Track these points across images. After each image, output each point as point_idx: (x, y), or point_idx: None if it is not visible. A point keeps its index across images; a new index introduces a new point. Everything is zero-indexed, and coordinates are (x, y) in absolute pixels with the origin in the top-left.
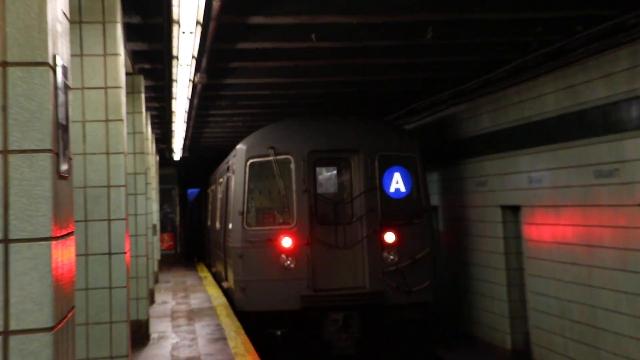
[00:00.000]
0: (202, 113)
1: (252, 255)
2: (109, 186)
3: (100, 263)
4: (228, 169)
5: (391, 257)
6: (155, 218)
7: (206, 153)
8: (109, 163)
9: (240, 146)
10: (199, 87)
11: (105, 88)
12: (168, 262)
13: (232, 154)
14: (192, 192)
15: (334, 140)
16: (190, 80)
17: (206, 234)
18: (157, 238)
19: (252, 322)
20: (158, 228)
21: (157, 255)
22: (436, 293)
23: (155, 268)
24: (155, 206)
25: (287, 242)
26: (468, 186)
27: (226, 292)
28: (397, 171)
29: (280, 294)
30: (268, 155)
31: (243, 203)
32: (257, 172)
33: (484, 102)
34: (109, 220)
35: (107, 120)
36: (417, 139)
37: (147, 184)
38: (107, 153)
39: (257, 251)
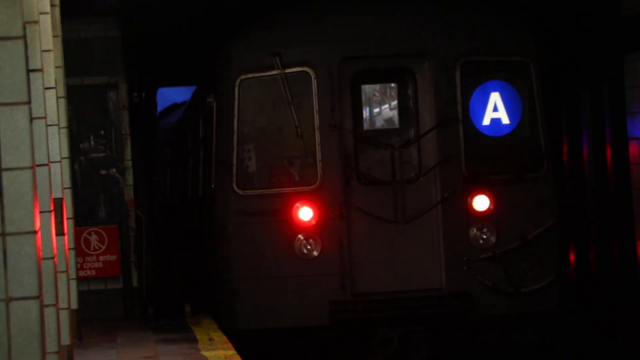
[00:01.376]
0: None
1: (249, 236)
2: None
3: None
4: (205, 94)
5: (485, 236)
6: (59, 180)
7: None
8: None
9: (224, 52)
10: None
11: None
12: (101, 314)
13: (205, 71)
14: (173, 100)
15: (382, 38)
16: None
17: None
18: (68, 240)
19: (250, 350)
20: (69, 208)
21: (72, 294)
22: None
23: (67, 338)
24: (59, 142)
25: (306, 213)
26: None
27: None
28: (496, 90)
29: (296, 301)
30: (272, 68)
31: (232, 151)
32: (255, 97)
33: None
34: None
35: None
36: (532, 30)
37: (30, 72)
38: None
39: (258, 230)
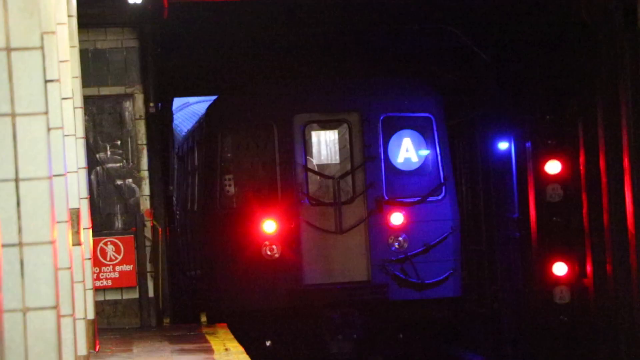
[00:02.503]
0: None
1: (228, 242)
2: None
3: None
4: (194, 139)
5: (398, 243)
6: (76, 190)
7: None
8: None
9: (208, 113)
10: None
11: None
12: (118, 324)
13: (199, 120)
14: (187, 109)
15: (326, 98)
16: None
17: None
18: (84, 250)
19: (228, 323)
20: (85, 219)
21: (88, 305)
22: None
23: (83, 348)
24: (75, 152)
25: (270, 226)
26: None
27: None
28: (407, 136)
29: (262, 290)
30: (246, 123)
31: (216, 183)
32: (232, 143)
33: None
34: None
35: None
36: (435, 93)
37: (47, 82)
38: None
39: (234, 238)
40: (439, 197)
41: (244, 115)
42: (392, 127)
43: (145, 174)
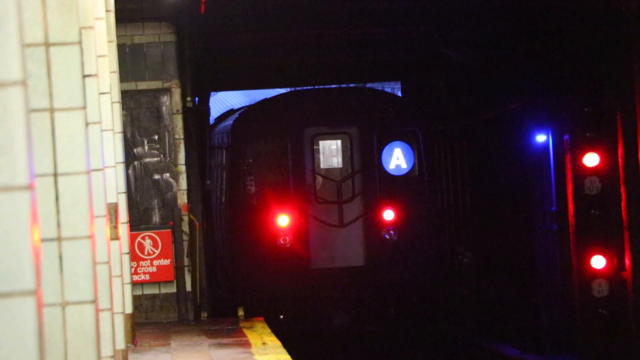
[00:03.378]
0: None
1: (250, 232)
2: None
3: None
4: (222, 145)
5: (390, 235)
6: (114, 185)
7: None
8: None
9: (234, 126)
10: None
11: None
12: (155, 318)
13: (224, 129)
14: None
15: (331, 115)
16: None
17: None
18: (122, 245)
19: (248, 301)
20: (123, 213)
21: (127, 299)
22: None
23: (121, 342)
24: (113, 147)
25: (284, 220)
26: None
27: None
28: (398, 147)
29: (278, 272)
30: (265, 135)
31: (239, 184)
32: (253, 153)
33: None
34: None
35: None
36: (421, 111)
37: (85, 77)
38: None
39: (255, 229)
40: (423, 198)
41: (263, 128)
42: (385, 139)
43: (182, 168)
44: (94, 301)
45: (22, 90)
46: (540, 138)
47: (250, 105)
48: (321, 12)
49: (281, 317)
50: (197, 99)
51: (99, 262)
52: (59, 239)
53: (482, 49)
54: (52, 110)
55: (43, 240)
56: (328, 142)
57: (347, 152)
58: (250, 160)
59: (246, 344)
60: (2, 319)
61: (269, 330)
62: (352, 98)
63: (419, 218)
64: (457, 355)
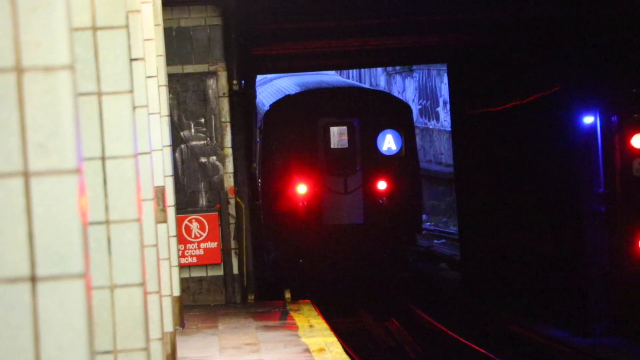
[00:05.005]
0: None
1: (278, 197)
2: (18, 70)
3: None
4: (258, 127)
5: (383, 200)
6: (161, 168)
7: None
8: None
9: (267, 114)
10: None
11: None
12: (203, 301)
13: (260, 115)
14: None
15: (340, 108)
16: None
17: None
18: (169, 227)
19: (279, 250)
20: (170, 196)
21: (174, 282)
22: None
23: (169, 324)
24: (160, 130)
25: (303, 189)
26: None
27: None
28: (390, 133)
29: (296, 227)
30: (289, 121)
31: (269, 158)
32: (281, 134)
33: None
34: (25, 175)
35: None
36: (407, 104)
37: (132, 61)
38: None
39: (281, 196)
40: (409, 173)
41: (287, 118)
42: (380, 127)
43: (228, 151)
44: (142, 284)
45: (71, 75)
46: (588, 119)
47: (278, 99)
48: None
49: (300, 261)
50: (242, 81)
51: (147, 245)
52: (107, 222)
53: (528, 31)
54: (99, 94)
55: (91, 223)
56: (337, 128)
57: (352, 137)
58: (277, 142)
59: (293, 326)
60: (52, 302)
61: (315, 313)
62: (355, 96)
63: (404, 187)
64: (504, 337)
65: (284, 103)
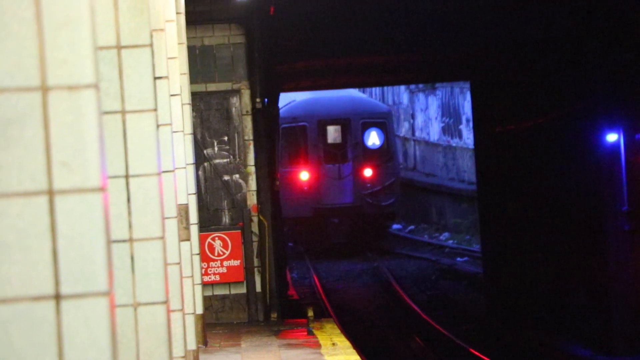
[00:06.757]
0: None
1: (284, 183)
2: (43, 89)
3: None
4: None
5: (368, 184)
6: (184, 186)
7: None
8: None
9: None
10: None
11: None
12: (226, 319)
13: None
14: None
15: (334, 110)
16: None
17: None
18: (192, 245)
19: (287, 224)
20: (193, 214)
21: (197, 300)
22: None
23: (192, 342)
24: (184, 148)
25: (304, 175)
26: None
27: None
28: (374, 130)
29: (300, 206)
30: (295, 122)
31: (278, 153)
32: (288, 132)
33: None
34: (50, 193)
35: None
36: (388, 107)
37: (156, 79)
38: None
39: (287, 182)
40: (389, 162)
41: (294, 118)
42: (366, 125)
43: (251, 169)
44: (166, 302)
45: (95, 93)
46: (612, 137)
47: (286, 104)
48: (389, 16)
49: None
50: (266, 99)
51: (170, 263)
52: (130, 240)
53: (552, 49)
54: (123, 112)
55: (115, 241)
56: (332, 127)
57: (344, 134)
58: (285, 137)
59: (316, 345)
60: (76, 319)
61: (338, 331)
62: (346, 102)
63: (385, 175)
64: (527, 355)
65: (291, 108)
